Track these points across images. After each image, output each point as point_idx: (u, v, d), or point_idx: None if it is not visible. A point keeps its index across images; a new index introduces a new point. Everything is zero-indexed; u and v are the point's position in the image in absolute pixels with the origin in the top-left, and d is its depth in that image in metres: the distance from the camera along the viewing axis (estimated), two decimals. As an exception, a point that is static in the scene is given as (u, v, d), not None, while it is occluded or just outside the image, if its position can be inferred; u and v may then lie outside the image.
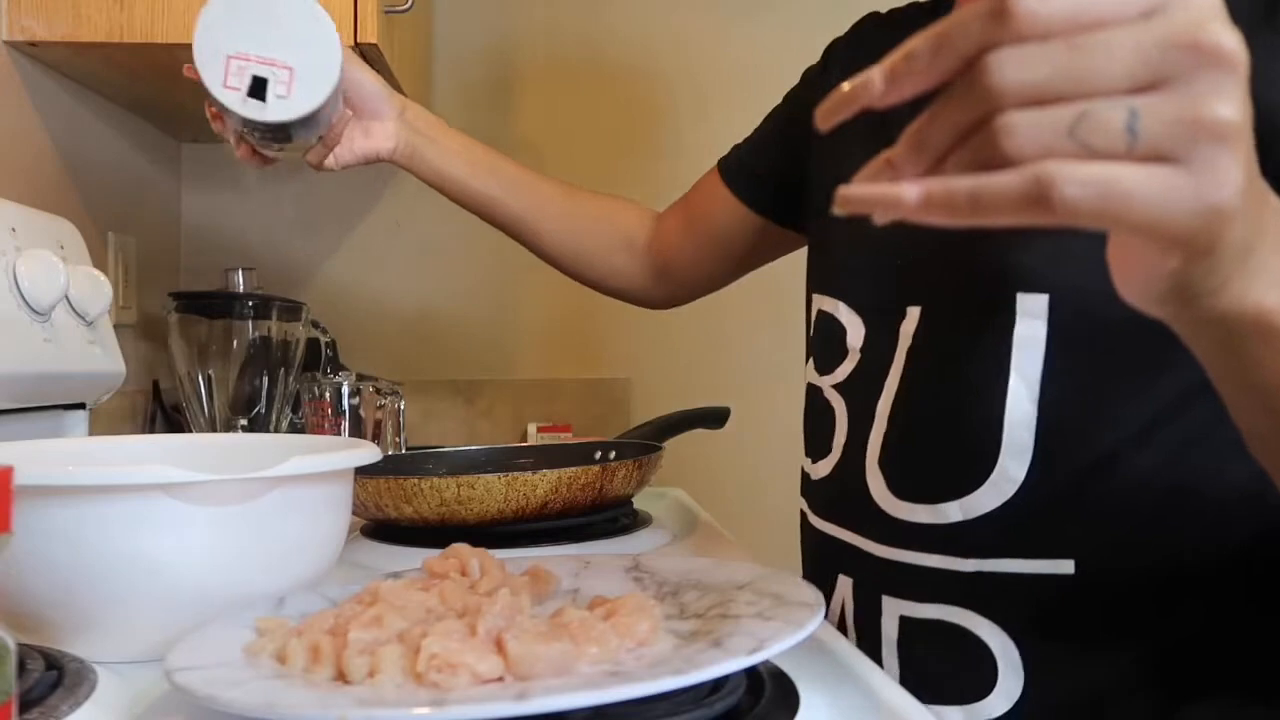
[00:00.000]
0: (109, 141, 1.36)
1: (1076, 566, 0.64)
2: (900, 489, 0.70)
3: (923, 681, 0.62)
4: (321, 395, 1.21)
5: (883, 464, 0.72)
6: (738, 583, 0.53)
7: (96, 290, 0.97)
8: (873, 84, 0.36)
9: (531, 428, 1.64)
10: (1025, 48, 0.34)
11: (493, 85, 1.71)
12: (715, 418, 1.25)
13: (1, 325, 0.85)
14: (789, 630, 0.43)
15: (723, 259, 1.04)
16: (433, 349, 1.69)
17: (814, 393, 0.82)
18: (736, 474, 1.68)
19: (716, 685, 0.44)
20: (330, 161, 0.89)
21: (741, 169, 1.00)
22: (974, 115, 0.35)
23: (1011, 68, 0.34)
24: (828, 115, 0.38)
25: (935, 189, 0.35)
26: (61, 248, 0.98)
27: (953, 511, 0.67)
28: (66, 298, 0.93)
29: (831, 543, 0.77)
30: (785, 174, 0.94)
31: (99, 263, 1.16)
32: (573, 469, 0.80)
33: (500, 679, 0.41)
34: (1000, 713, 0.65)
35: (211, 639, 0.47)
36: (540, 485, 0.79)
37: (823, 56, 0.95)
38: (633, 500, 0.93)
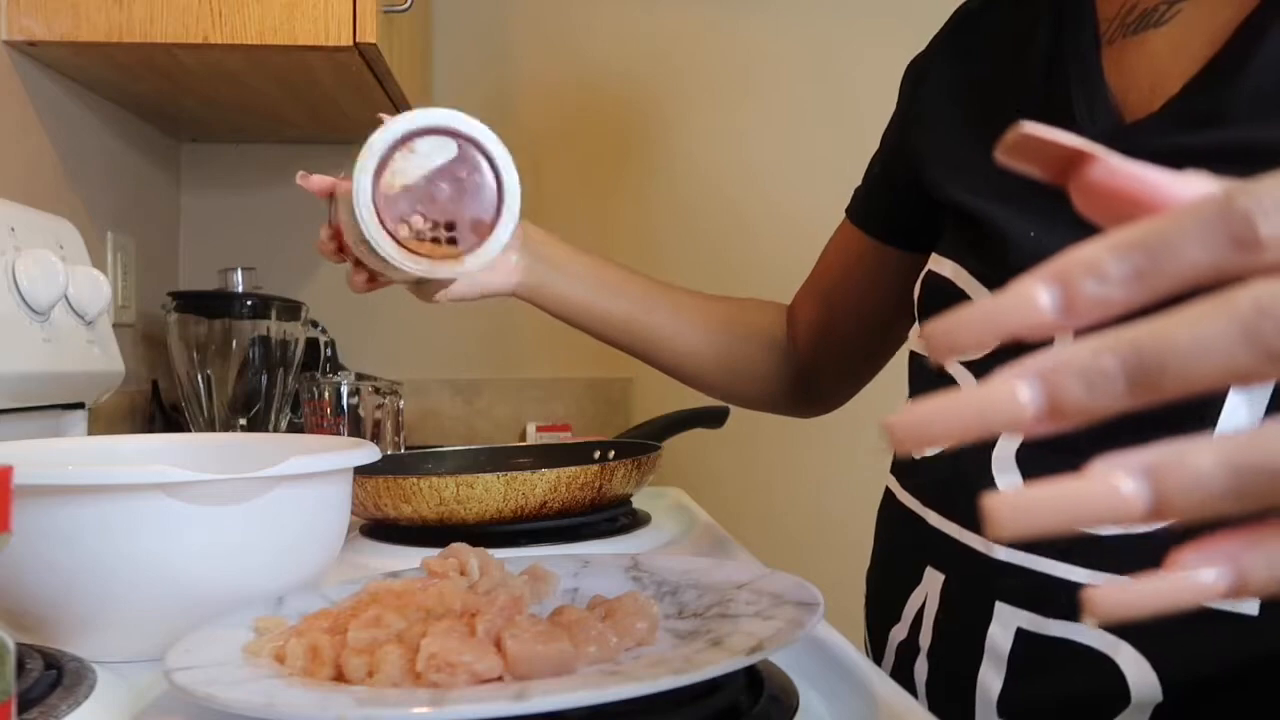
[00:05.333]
0: (108, 141, 1.36)
1: (1262, 609, 0.54)
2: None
3: (1043, 705, 0.59)
4: (320, 395, 1.21)
5: (1021, 459, 0.62)
6: (737, 582, 0.53)
7: (95, 290, 0.97)
8: (1038, 305, 0.26)
9: (531, 427, 1.64)
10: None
11: (492, 85, 1.71)
12: (714, 417, 1.25)
13: (1, 325, 0.85)
14: (788, 630, 0.43)
15: (869, 326, 0.92)
16: (431, 348, 1.69)
17: (926, 364, 0.71)
18: (736, 474, 1.68)
19: (715, 685, 0.44)
20: (441, 296, 0.79)
21: (874, 212, 0.89)
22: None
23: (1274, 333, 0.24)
24: (1012, 151, 0.30)
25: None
26: (61, 247, 0.98)
27: None
28: (65, 297, 0.93)
29: (925, 531, 0.68)
30: (912, 204, 0.81)
31: (98, 262, 1.16)
32: (572, 468, 0.80)
33: (499, 678, 0.41)
34: None
35: (210, 639, 0.47)
36: (539, 485, 0.79)
37: (908, 76, 0.84)
38: (632, 500, 0.93)
